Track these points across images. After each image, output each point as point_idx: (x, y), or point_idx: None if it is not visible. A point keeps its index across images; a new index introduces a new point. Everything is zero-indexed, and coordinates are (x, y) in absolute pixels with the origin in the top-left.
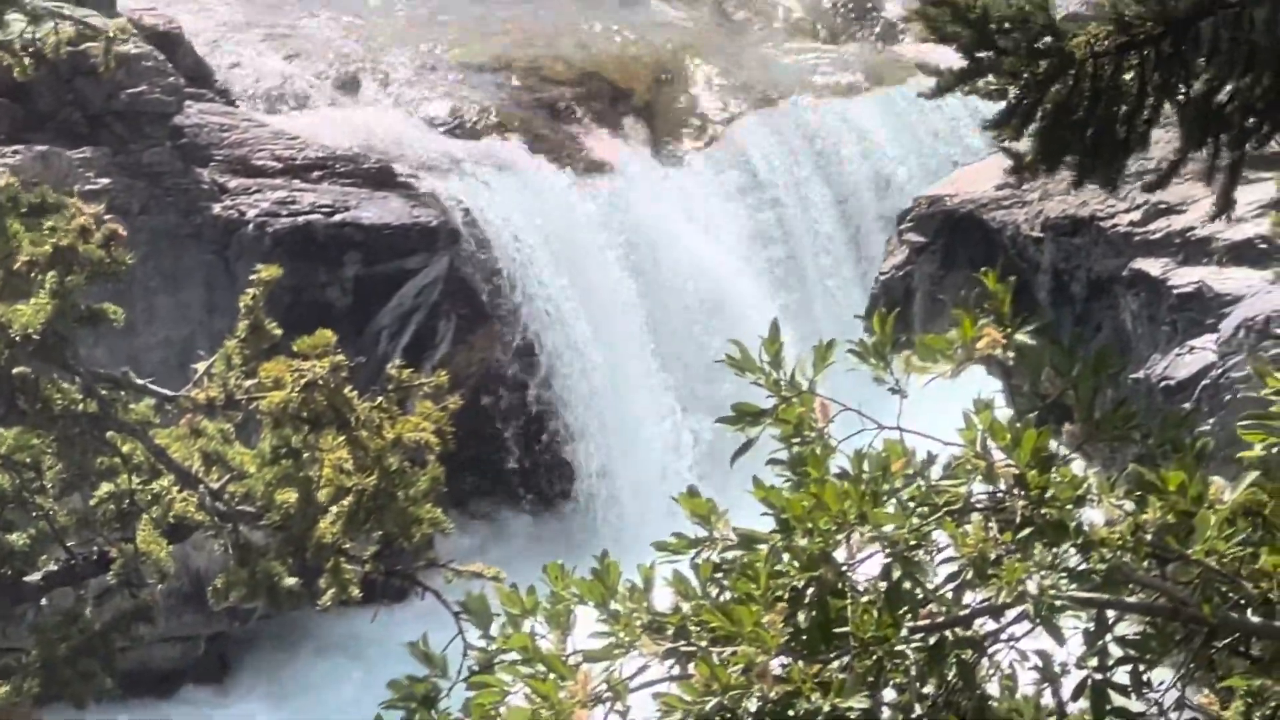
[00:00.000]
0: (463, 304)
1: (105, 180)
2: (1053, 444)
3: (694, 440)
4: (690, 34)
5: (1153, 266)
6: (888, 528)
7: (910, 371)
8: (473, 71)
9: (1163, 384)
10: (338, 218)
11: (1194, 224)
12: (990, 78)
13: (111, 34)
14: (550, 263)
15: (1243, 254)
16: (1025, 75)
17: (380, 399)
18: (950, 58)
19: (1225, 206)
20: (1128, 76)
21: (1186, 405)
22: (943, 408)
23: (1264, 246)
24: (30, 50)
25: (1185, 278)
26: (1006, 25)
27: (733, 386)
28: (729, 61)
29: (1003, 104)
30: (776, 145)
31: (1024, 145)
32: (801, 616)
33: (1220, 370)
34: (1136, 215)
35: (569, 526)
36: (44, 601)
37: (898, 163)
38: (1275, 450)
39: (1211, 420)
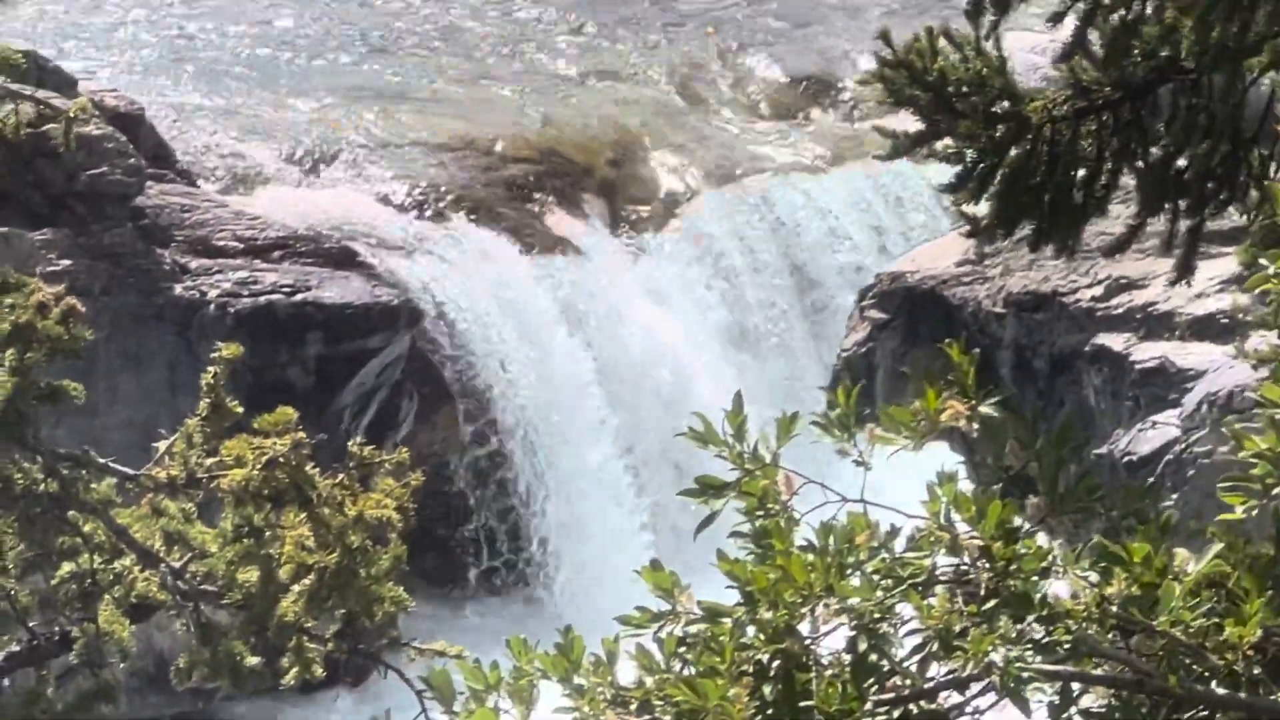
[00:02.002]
0: (425, 383)
1: (67, 261)
2: (1016, 518)
3: (654, 514)
4: (652, 111)
5: (1115, 342)
6: (853, 600)
7: (874, 443)
8: (432, 150)
9: (1126, 459)
10: (299, 297)
11: (1156, 299)
12: (948, 141)
13: (72, 114)
14: (510, 341)
15: (1205, 329)
16: (983, 139)
17: (342, 476)
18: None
19: (1185, 273)
20: (1086, 142)
21: (1150, 480)
22: (904, 481)
23: (1226, 321)
24: None
25: (1148, 353)
26: (964, 89)
27: (687, 457)
28: (690, 139)
29: (960, 167)
30: (737, 222)
31: (981, 209)
32: (767, 690)
33: (1183, 445)
34: (1098, 290)
35: (530, 603)
36: (5, 682)
37: (859, 239)
38: (1255, 513)
39: (1175, 495)
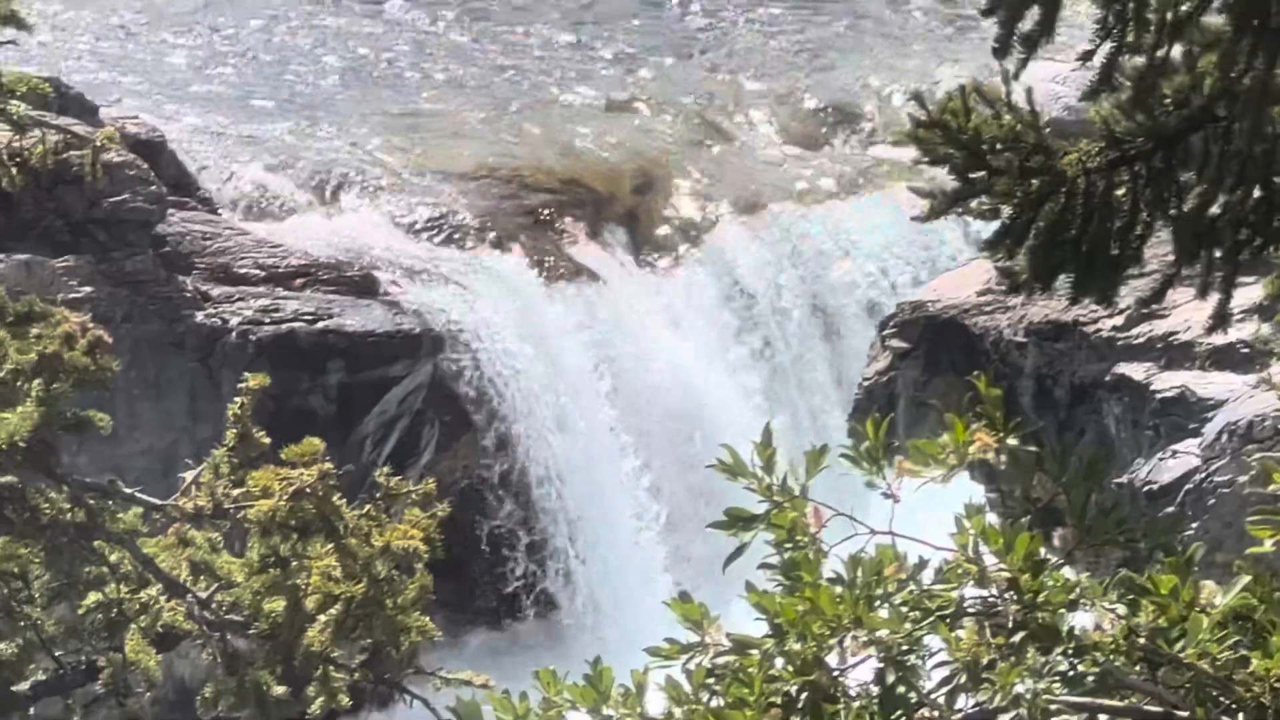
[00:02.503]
0: (446, 411)
1: (88, 288)
2: (1043, 550)
3: (680, 544)
4: (672, 141)
5: (1136, 371)
6: (881, 632)
7: (902, 476)
8: (455, 178)
9: (1146, 488)
10: (321, 325)
11: (1177, 329)
12: (983, 198)
13: (99, 143)
14: (532, 370)
15: (1226, 358)
16: (1018, 195)
17: (368, 507)
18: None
19: (1220, 321)
20: (1120, 193)
21: (1170, 509)
22: (927, 512)
23: (1246, 351)
24: (17, 160)
25: (1168, 382)
26: (998, 145)
27: (717, 486)
28: (711, 168)
29: (996, 224)
30: (758, 252)
31: (1019, 263)
32: None
33: (1204, 474)
34: (1119, 320)
35: (558, 634)
36: (32, 711)
37: (880, 268)
38: None
39: (1195, 524)
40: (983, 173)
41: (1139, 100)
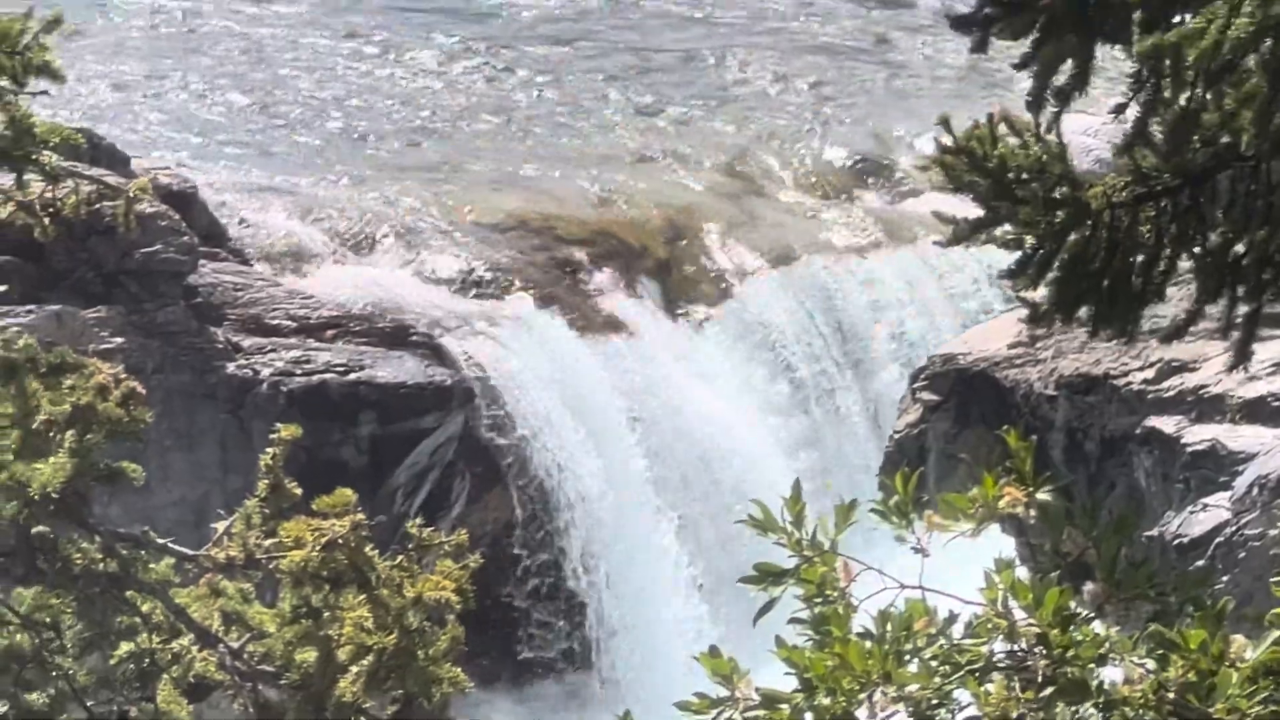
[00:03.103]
0: (477, 462)
1: (120, 339)
2: (1073, 604)
3: (711, 599)
4: (704, 192)
5: (1166, 424)
6: (911, 687)
7: (932, 530)
8: (486, 230)
9: (1176, 541)
10: (352, 377)
11: (1207, 382)
12: (1007, 227)
13: (132, 193)
14: (564, 423)
15: (1256, 411)
16: (1042, 225)
17: (400, 558)
18: (963, 212)
19: (1242, 359)
20: (1144, 228)
21: (1201, 562)
22: (957, 567)
23: (1277, 404)
24: (50, 210)
25: (1199, 435)
26: (1024, 175)
27: (748, 538)
28: (743, 220)
29: (1019, 253)
30: (791, 304)
31: (1040, 295)
32: None
33: (1234, 528)
34: (1150, 373)
35: (588, 686)
36: None
37: (912, 320)
38: None
39: (1225, 577)
40: (1007, 201)
41: (1172, 148)
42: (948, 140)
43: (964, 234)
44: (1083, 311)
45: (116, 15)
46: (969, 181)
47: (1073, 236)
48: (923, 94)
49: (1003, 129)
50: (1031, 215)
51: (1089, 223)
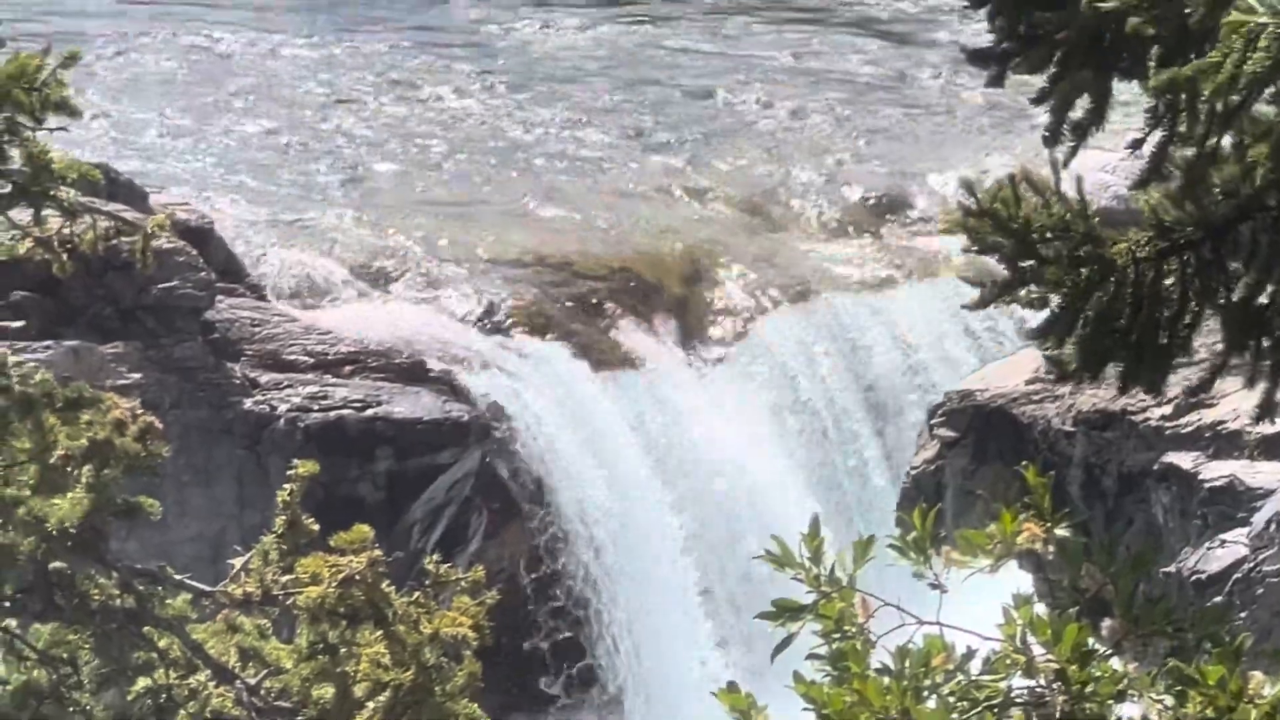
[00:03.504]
0: (494, 498)
1: (137, 375)
2: (1091, 640)
3: (728, 634)
4: (722, 228)
5: (1184, 460)
6: None
7: (950, 566)
8: (504, 265)
9: (1194, 578)
10: (369, 412)
11: (1225, 418)
12: (1032, 287)
13: (149, 229)
14: (581, 459)
15: (1274, 448)
16: (1067, 284)
17: (417, 594)
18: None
19: (1268, 411)
20: (1169, 282)
21: (1219, 599)
22: (972, 602)
23: None
24: (67, 246)
25: (1216, 471)
26: (1048, 234)
27: (767, 574)
28: (760, 256)
29: (1046, 313)
30: (808, 340)
31: (1067, 353)
32: None
33: (1252, 564)
34: (1168, 409)
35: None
36: None
37: (929, 357)
38: None
39: (1244, 613)
40: (1032, 261)
41: (1188, 190)
42: (970, 202)
43: (991, 296)
44: (1110, 368)
45: (133, 51)
46: (993, 243)
47: (1098, 294)
48: (941, 130)
49: (1024, 188)
50: (1057, 274)
51: (1113, 279)
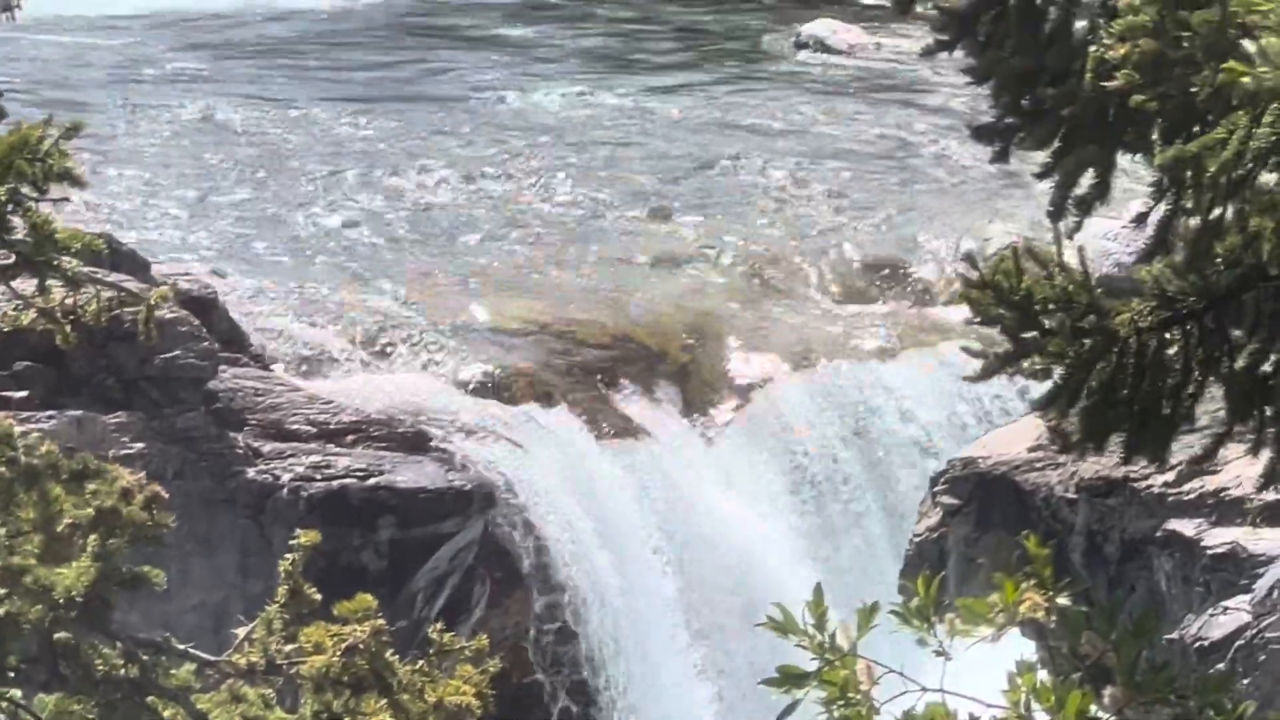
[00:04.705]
0: (497, 567)
1: (140, 445)
2: (1094, 707)
3: (731, 701)
4: (723, 296)
5: (1186, 527)
6: None
7: (953, 635)
8: (505, 334)
9: (1197, 644)
10: (372, 482)
11: (1228, 485)
12: (1036, 358)
13: (153, 301)
14: (583, 527)
15: (1277, 514)
16: (1070, 355)
17: (421, 663)
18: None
19: (1273, 479)
20: (1171, 352)
21: (1221, 666)
22: (976, 668)
23: None
24: (71, 317)
25: (1219, 538)
26: (1050, 306)
27: (769, 652)
28: (763, 324)
29: (1049, 384)
30: (811, 409)
31: (1071, 423)
32: None
33: (1255, 630)
34: (1170, 476)
35: None
36: None
37: (932, 424)
38: None
39: (1246, 681)
40: (1035, 333)
41: (1193, 262)
42: (973, 274)
43: (994, 368)
44: (1114, 440)
45: (137, 120)
46: (996, 315)
47: (1101, 365)
48: (944, 198)
49: (1027, 260)
50: (1060, 346)
51: (1116, 350)
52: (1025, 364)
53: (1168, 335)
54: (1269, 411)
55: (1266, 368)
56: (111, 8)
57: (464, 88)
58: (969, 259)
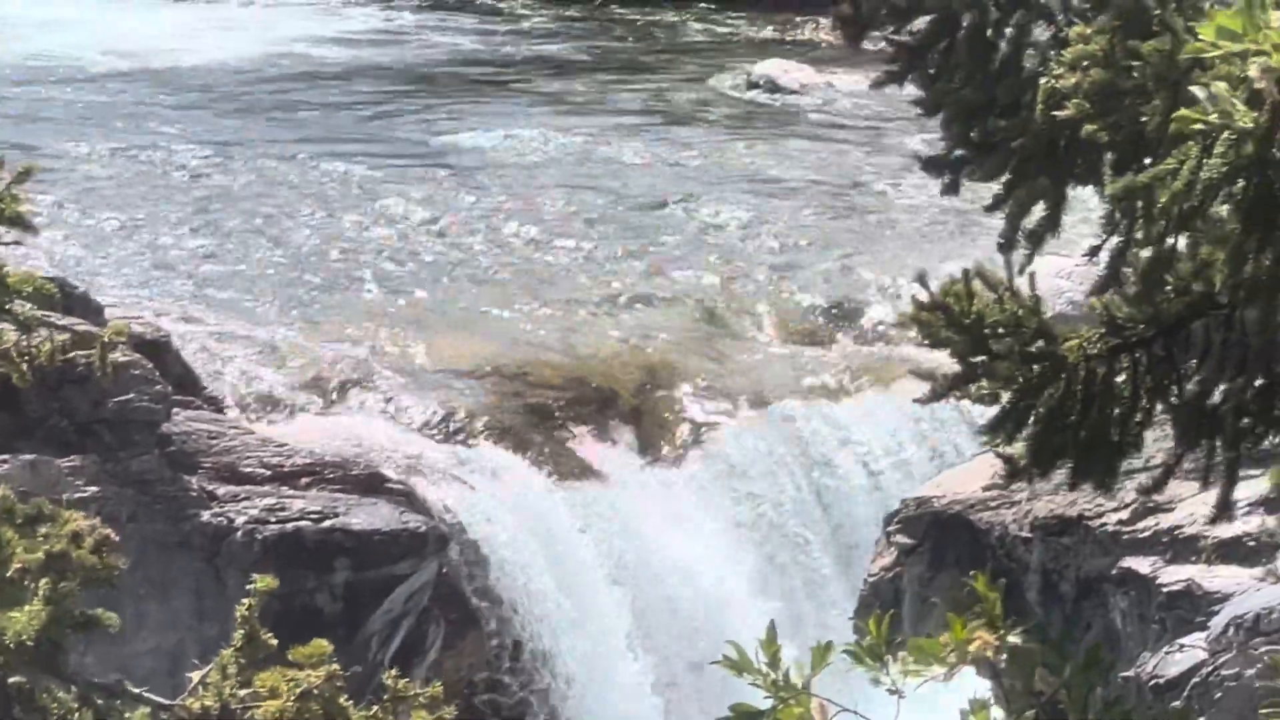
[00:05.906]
0: (451, 609)
1: (94, 488)
2: None
3: None
4: (675, 338)
5: (1141, 565)
6: None
7: (905, 674)
8: (458, 376)
9: (1153, 682)
10: (327, 524)
11: (1182, 522)
12: (983, 382)
13: (107, 339)
14: (536, 569)
15: (1231, 552)
16: (1019, 380)
17: (375, 708)
18: (936, 361)
19: (1224, 510)
20: (1120, 379)
21: (1177, 703)
22: (930, 706)
23: (1253, 544)
24: (24, 359)
25: (1174, 576)
26: (1000, 330)
27: (723, 688)
28: (716, 365)
29: (997, 409)
30: (763, 449)
31: (1018, 449)
32: None
33: (1211, 668)
34: (1125, 514)
35: None
36: None
37: (885, 465)
38: None
39: (1202, 718)
40: (983, 357)
41: (1144, 292)
42: (924, 296)
43: (942, 391)
44: (1061, 466)
45: (85, 164)
46: (945, 338)
47: (1049, 391)
48: (897, 236)
49: (978, 284)
50: (1008, 370)
51: (1064, 376)
52: (973, 388)
53: (1116, 363)
54: (1218, 442)
55: (1215, 398)
56: (79, 59)
57: (418, 131)
58: (921, 280)
